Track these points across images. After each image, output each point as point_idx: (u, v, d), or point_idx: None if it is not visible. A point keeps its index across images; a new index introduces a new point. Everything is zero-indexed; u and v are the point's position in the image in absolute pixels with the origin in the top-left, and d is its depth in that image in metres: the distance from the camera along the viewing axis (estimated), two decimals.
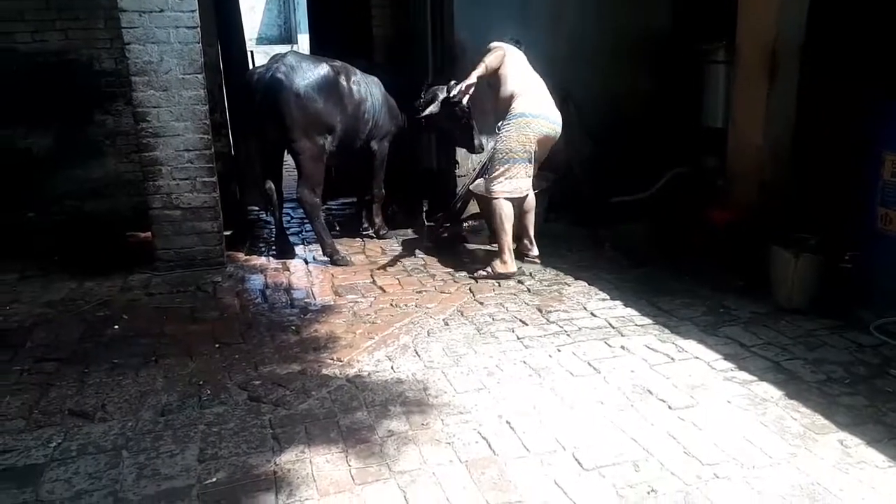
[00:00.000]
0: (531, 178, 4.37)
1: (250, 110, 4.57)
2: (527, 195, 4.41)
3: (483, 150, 5.08)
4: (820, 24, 4.18)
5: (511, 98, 4.26)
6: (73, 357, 3.27)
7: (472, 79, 4.13)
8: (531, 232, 4.55)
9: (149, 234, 4.54)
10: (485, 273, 4.26)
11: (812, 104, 4.27)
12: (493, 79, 4.32)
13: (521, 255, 4.52)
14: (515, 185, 4.27)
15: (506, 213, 4.25)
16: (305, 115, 4.41)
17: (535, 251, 4.55)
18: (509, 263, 4.25)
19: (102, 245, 5.07)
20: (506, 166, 4.23)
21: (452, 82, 4.49)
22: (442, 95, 4.70)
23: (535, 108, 4.25)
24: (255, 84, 4.44)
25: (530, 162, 4.29)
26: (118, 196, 5.51)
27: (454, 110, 4.73)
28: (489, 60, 4.20)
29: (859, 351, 3.14)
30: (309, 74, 4.45)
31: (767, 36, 4.28)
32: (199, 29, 4.24)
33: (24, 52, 5.28)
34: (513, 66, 4.31)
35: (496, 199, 4.27)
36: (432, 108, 4.69)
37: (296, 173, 4.75)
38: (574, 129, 5.44)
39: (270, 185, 4.78)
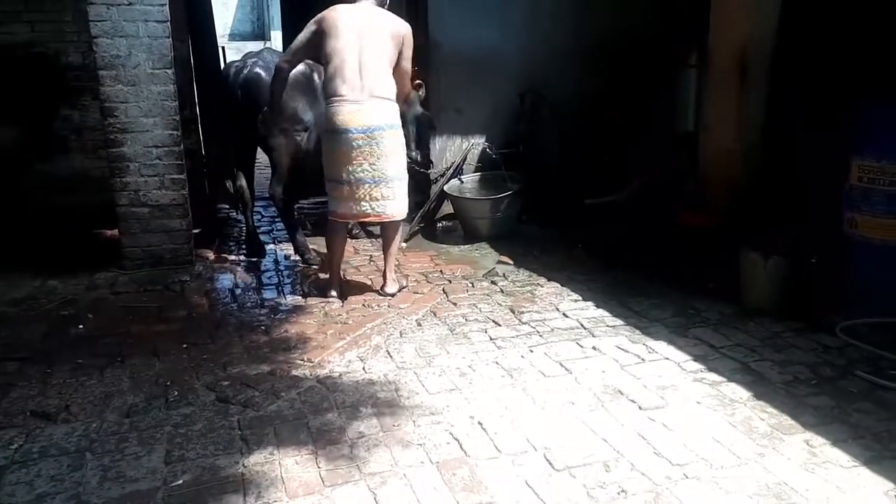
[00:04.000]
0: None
1: (226, 106, 4.51)
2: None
3: (417, 161, 4.97)
4: (791, 30, 4.24)
5: None
6: (36, 357, 3.20)
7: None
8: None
9: (115, 231, 4.45)
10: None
11: (782, 109, 4.33)
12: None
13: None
14: None
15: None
16: (284, 111, 4.37)
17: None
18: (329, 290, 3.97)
19: (68, 242, 4.97)
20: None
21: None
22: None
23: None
24: (233, 79, 4.39)
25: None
26: (84, 192, 5.39)
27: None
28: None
29: (825, 352, 3.19)
30: None
31: (739, 40, 4.34)
32: (168, 23, 4.17)
33: None
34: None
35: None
36: None
37: (266, 171, 4.71)
38: (547, 131, 5.48)
39: (242, 182, 4.73)
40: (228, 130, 4.68)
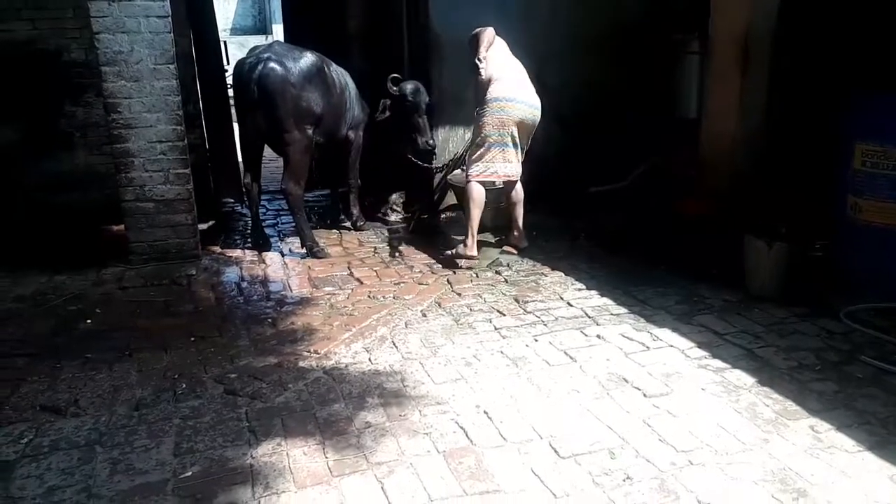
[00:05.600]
0: (514, 164, 4.40)
1: (240, 101, 4.49)
2: (511, 182, 4.48)
3: (431, 147, 5.20)
4: (792, 14, 4.22)
5: (488, 83, 4.30)
6: (45, 352, 3.22)
7: (482, 71, 4.28)
8: (520, 223, 4.59)
9: (122, 227, 4.47)
10: (449, 253, 4.34)
11: (784, 94, 4.32)
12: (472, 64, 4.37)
13: (512, 246, 4.59)
14: (491, 169, 4.33)
15: (475, 197, 4.32)
16: (298, 106, 4.38)
17: (523, 243, 4.58)
18: (470, 247, 4.30)
19: (74, 239, 4.99)
20: (481, 150, 4.31)
21: (392, 77, 4.91)
22: (408, 91, 5.01)
23: (510, 92, 4.28)
24: (247, 76, 4.37)
25: (509, 147, 4.33)
26: (90, 189, 5.40)
27: (405, 107, 4.99)
28: (484, 44, 4.26)
29: (829, 338, 3.20)
30: (300, 64, 4.42)
31: (740, 27, 4.33)
32: (170, 18, 4.17)
33: None
34: (493, 50, 4.34)
35: (468, 181, 4.34)
36: (383, 111, 5.03)
37: (268, 165, 4.72)
38: (548, 119, 5.46)
39: (250, 177, 4.74)
40: (241, 126, 4.66)
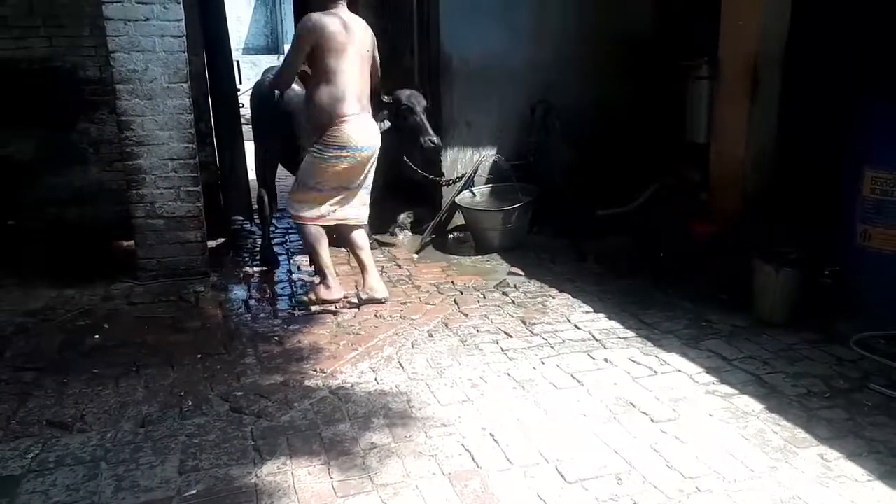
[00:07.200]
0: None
1: (259, 120, 4.51)
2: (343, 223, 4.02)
3: (434, 144, 4.83)
4: (801, 39, 4.24)
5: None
6: (53, 367, 3.23)
7: None
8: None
9: (131, 242, 4.50)
10: (306, 300, 3.98)
11: (794, 119, 4.33)
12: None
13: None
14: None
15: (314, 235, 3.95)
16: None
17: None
18: (334, 289, 3.93)
19: (84, 254, 5.02)
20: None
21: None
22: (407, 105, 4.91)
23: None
24: (268, 94, 4.40)
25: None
26: (101, 204, 5.45)
27: (401, 112, 4.87)
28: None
29: (839, 365, 3.17)
30: None
31: (749, 51, 4.35)
32: (184, 38, 4.23)
33: (7, 59, 5.22)
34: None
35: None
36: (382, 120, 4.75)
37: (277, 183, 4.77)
38: (558, 141, 5.48)
39: (266, 196, 4.76)
40: (259, 145, 4.70)
